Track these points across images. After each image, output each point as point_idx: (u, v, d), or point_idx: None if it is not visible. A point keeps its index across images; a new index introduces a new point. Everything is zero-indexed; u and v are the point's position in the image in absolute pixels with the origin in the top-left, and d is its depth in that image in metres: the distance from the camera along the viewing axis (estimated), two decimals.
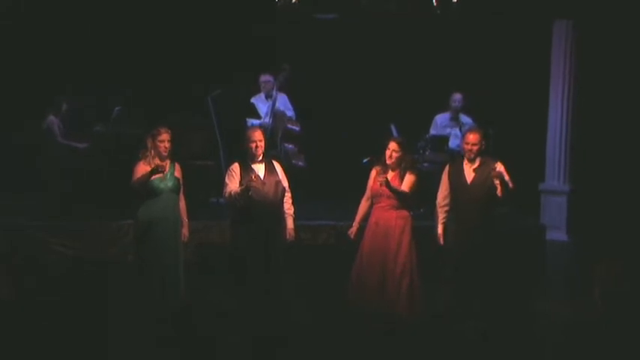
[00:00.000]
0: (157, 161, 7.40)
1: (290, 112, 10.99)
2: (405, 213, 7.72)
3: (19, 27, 11.18)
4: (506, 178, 7.59)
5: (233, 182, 7.53)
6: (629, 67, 11.20)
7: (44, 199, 9.96)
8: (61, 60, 11.23)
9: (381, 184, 7.55)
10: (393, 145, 7.76)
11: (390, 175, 7.74)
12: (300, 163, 10.95)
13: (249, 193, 7.36)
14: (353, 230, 7.90)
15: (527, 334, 7.65)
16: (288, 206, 7.74)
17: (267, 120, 10.93)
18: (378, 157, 7.87)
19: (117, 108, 10.44)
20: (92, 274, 8.92)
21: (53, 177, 9.95)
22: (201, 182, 9.60)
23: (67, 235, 9.38)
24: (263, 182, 7.54)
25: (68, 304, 8.00)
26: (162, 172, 7.37)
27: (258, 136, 7.65)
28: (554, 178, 11.60)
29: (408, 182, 7.72)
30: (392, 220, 7.67)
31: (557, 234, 11.17)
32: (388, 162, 7.73)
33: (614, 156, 11.26)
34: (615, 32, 11.13)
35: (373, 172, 7.86)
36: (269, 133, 10.85)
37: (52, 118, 10.02)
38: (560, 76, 11.50)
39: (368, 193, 7.89)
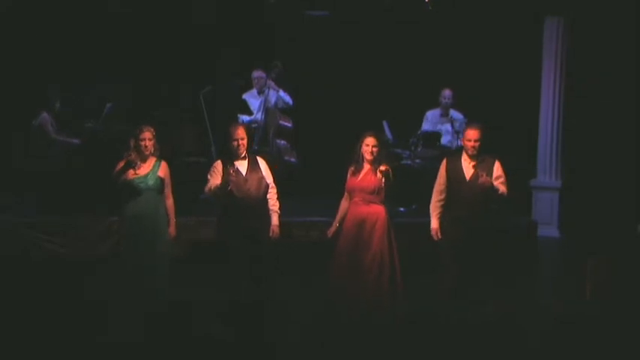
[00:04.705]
0: (133, 157, 7.39)
1: (287, 98, 10.97)
2: (378, 207, 7.56)
3: (17, 27, 11.16)
4: (500, 180, 7.60)
5: (215, 178, 7.52)
6: (620, 64, 11.23)
7: (34, 196, 9.95)
8: (55, 59, 11.20)
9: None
10: (371, 141, 7.57)
11: (366, 169, 7.59)
12: (292, 160, 10.96)
13: (229, 188, 7.35)
14: (331, 230, 7.76)
15: (520, 330, 7.67)
16: (273, 202, 7.70)
17: (259, 116, 10.94)
18: (355, 155, 7.67)
19: (108, 105, 10.42)
20: (82, 272, 8.92)
21: (44, 173, 9.93)
22: (193, 179, 9.59)
23: (57, 231, 9.39)
24: (245, 179, 7.52)
25: (60, 302, 8.00)
26: (134, 167, 7.35)
27: (240, 133, 7.61)
28: (546, 174, 11.62)
29: (379, 172, 7.48)
30: (364, 215, 7.54)
31: (549, 230, 11.19)
32: (369, 158, 7.55)
33: (605, 152, 11.30)
34: (606, 30, 11.16)
35: (349, 172, 7.70)
36: (261, 130, 10.87)
37: (45, 115, 9.99)
38: (551, 73, 11.52)
39: (346, 192, 7.76)
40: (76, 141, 10.13)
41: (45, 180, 9.85)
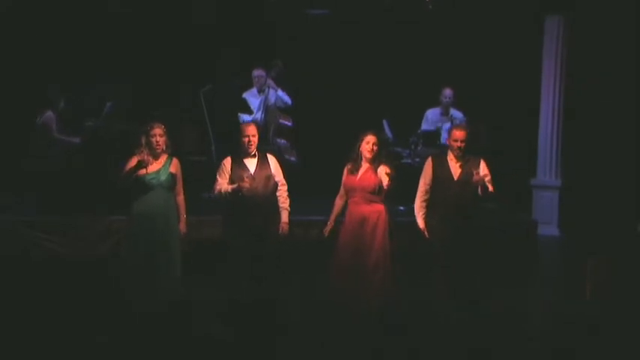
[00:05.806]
0: (145, 156, 7.38)
1: (286, 98, 10.96)
2: (378, 207, 7.54)
3: (17, 27, 11.16)
4: (487, 179, 7.59)
5: (223, 178, 7.54)
6: (620, 63, 11.23)
7: (34, 196, 9.95)
8: (56, 59, 11.20)
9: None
10: (372, 139, 7.55)
11: (365, 167, 7.58)
12: (293, 159, 10.96)
13: (240, 194, 7.36)
14: (327, 229, 7.78)
15: (520, 330, 7.67)
16: (283, 199, 7.72)
17: (259, 115, 10.94)
18: (353, 154, 7.66)
19: (108, 104, 10.42)
20: (82, 272, 8.92)
21: (44, 172, 9.93)
22: (194, 178, 9.58)
23: (57, 231, 9.39)
24: (253, 177, 7.54)
25: (60, 302, 8.00)
26: (145, 167, 7.34)
27: (251, 130, 7.65)
28: (546, 173, 11.63)
29: (385, 176, 7.46)
30: (365, 214, 7.52)
31: (549, 229, 11.19)
32: (369, 156, 7.53)
33: (605, 151, 11.30)
34: (607, 29, 11.16)
35: (346, 170, 7.70)
36: (262, 129, 10.86)
37: (50, 113, 9.98)
38: (551, 72, 11.52)
39: (342, 190, 7.74)
40: (77, 140, 10.12)
41: (45, 180, 9.85)
